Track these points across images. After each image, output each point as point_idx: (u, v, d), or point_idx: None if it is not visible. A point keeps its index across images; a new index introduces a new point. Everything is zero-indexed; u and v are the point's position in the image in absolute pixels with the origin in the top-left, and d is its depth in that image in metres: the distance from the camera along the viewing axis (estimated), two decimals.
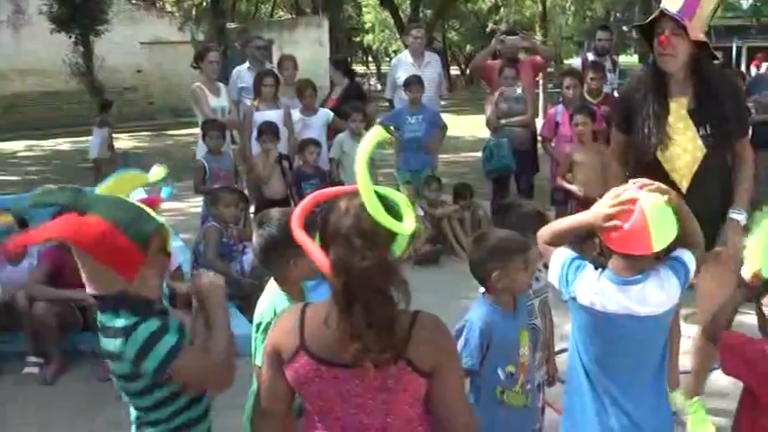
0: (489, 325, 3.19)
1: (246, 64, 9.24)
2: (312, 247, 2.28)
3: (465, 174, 11.38)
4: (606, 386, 2.94)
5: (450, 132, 9.48)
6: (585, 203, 6.77)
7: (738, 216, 4.04)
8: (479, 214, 8.58)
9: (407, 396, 2.23)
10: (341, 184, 7.78)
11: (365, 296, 2.13)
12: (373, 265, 2.12)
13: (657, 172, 3.88)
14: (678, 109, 4.05)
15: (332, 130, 8.71)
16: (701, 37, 3.96)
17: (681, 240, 2.89)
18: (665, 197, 2.79)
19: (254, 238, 3.15)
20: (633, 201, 2.76)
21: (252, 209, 8.05)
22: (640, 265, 2.85)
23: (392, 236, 2.19)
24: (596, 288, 2.88)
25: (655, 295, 2.85)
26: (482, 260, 3.25)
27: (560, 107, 7.97)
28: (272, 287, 3.09)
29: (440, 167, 10.34)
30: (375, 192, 2.20)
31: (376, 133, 2.27)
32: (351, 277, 2.14)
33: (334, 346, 2.19)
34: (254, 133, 8.05)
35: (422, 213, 8.32)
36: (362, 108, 8.65)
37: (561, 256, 2.98)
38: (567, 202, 7.15)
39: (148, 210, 2.57)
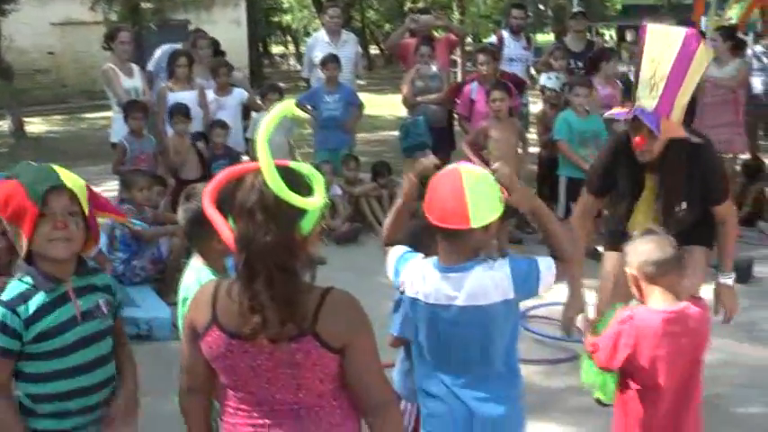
0: None
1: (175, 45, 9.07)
2: (219, 222, 2.30)
3: (384, 152, 11.42)
4: (443, 378, 2.88)
5: (369, 111, 9.53)
6: None
7: (728, 281, 4.14)
8: (397, 192, 8.63)
9: (318, 371, 2.25)
10: None
11: (267, 271, 2.15)
12: (275, 240, 2.15)
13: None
14: (651, 186, 4.08)
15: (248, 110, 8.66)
16: (679, 134, 3.89)
17: (546, 242, 2.91)
18: (491, 170, 2.79)
19: (180, 213, 3.15)
20: (437, 167, 2.83)
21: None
22: (465, 250, 2.77)
23: (300, 212, 2.20)
24: (420, 277, 2.83)
25: (478, 286, 2.73)
26: (425, 229, 3.26)
27: (475, 84, 8.04)
28: (196, 263, 3.10)
29: (359, 146, 10.37)
30: (288, 167, 2.22)
31: (280, 109, 2.28)
32: (252, 252, 2.16)
33: (238, 320, 2.21)
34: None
35: (340, 192, 8.33)
36: (279, 87, 8.62)
37: (396, 252, 2.99)
38: None
39: (65, 172, 2.70)
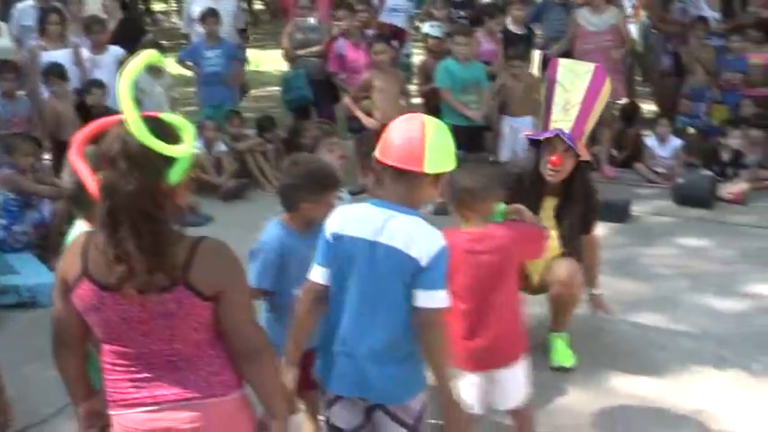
0: (285, 246, 3.23)
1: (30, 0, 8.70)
2: (85, 172, 2.26)
3: (271, 107, 11.25)
4: (338, 307, 2.78)
5: (253, 67, 9.38)
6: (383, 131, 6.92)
7: (597, 292, 4.75)
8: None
9: (191, 321, 2.24)
10: None
11: (131, 219, 2.13)
12: (139, 188, 2.12)
13: None
14: (548, 208, 4.43)
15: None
16: (588, 156, 4.39)
17: None
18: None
19: (65, 176, 3.07)
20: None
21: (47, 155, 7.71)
22: (410, 197, 2.71)
23: (167, 161, 2.18)
24: (346, 213, 2.79)
25: (400, 230, 2.64)
26: (295, 187, 3.27)
27: (341, 40, 7.95)
28: (82, 225, 3.02)
29: (244, 102, 10.25)
30: (155, 118, 2.20)
31: (143, 57, 2.24)
32: (116, 200, 2.13)
33: (106, 270, 2.18)
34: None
35: (224, 149, 8.22)
36: (157, 43, 8.41)
37: None
38: (362, 130, 7.20)
39: None
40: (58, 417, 3.97)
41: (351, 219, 2.74)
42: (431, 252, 2.60)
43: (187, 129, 2.26)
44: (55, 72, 7.53)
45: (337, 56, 7.96)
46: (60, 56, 7.77)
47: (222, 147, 8.22)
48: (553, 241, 4.38)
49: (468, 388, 3.28)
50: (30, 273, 5.78)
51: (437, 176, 2.70)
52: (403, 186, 2.69)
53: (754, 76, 8.68)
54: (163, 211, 2.18)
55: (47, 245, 6.37)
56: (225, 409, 2.33)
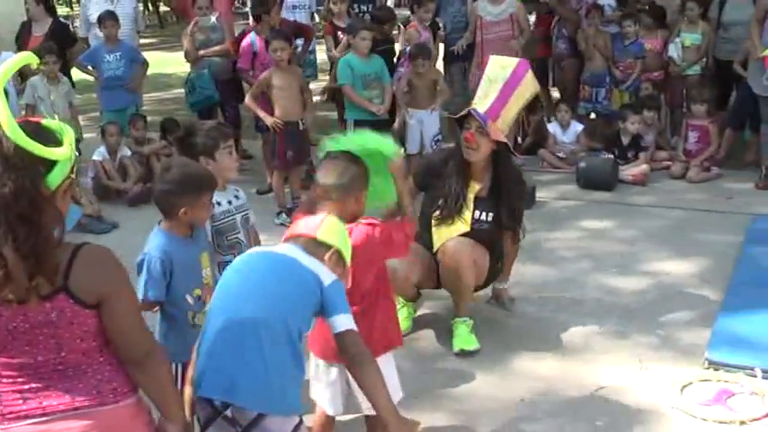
0: (168, 253, 3.20)
1: None
2: None
3: (176, 110, 11.15)
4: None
5: (160, 69, 9.24)
6: (287, 126, 6.90)
7: (504, 285, 5.10)
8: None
9: (76, 329, 2.20)
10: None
11: (8, 223, 2.08)
12: (15, 191, 2.08)
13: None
14: (473, 191, 4.65)
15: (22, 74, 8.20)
16: (502, 138, 4.57)
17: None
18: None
19: None
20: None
21: None
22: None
23: (47, 165, 2.14)
24: None
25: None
26: (171, 193, 3.23)
27: (253, 35, 7.88)
28: None
29: (151, 106, 10.12)
30: (35, 123, 2.19)
31: (16, 58, 2.22)
32: None
33: None
34: None
35: (129, 153, 8.08)
36: (55, 49, 8.20)
37: None
38: (268, 130, 7.12)
39: None
40: None
41: None
42: None
43: (67, 133, 2.23)
44: None
45: (251, 53, 7.85)
46: None
47: (126, 151, 8.08)
48: (464, 224, 4.60)
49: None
50: None
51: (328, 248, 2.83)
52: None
53: (648, 61, 8.93)
54: (42, 216, 2.12)
55: None
56: (118, 417, 2.30)
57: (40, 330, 2.18)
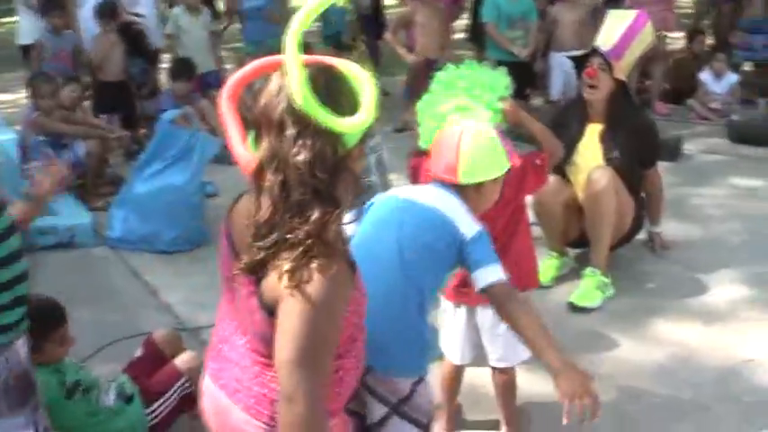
0: None
1: None
2: (235, 133, 1.87)
3: (312, 44, 11.09)
4: None
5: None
6: (427, 65, 6.73)
7: (658, 230, 5.07)
8: None
9: None
10: (182, 62, 7.48)
11: (300, 200, 1.73)
12: (312, 158, 1.72)
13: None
14: (592, 133, 4.61)
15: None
16: (622, 77, 4.55)
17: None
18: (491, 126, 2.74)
19: None
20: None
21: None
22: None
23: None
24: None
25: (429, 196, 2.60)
26: None
27: None
28: None
29: None
30: (327, 69, 1.79)
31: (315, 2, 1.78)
32: (286, 174, 1.72)
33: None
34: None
35: None
36: None
37: None
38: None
39: None
40: (95, 358, 3.94)
41: None
42: None
43: (365, 82, 1.79)
44: (107, 8, 7.48)
45: None
46: None
47: None
48: (595, 162, 4.54)
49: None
50: (68, 213, 5.76)
51: (479, 185, 2.62)
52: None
53: None
54: (339, 184, 1.76)
55: (84, 184, 6.35)
56: None
57: None
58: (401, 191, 2.73)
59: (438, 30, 6.82)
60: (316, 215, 1.69)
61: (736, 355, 3.95)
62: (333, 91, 1.75)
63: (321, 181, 1.71)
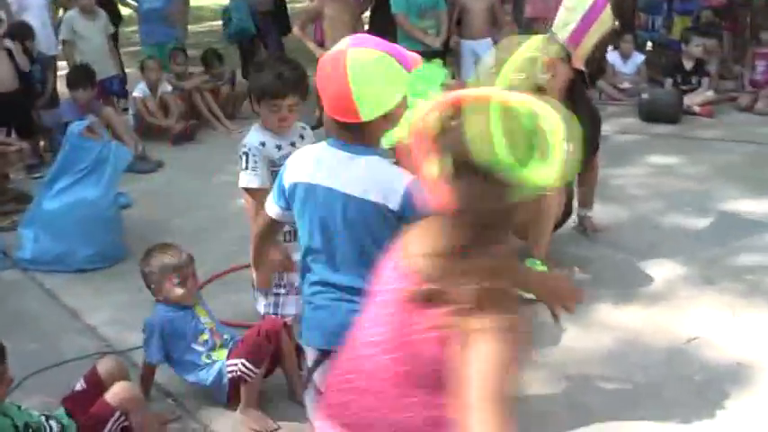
0: (163, 324, 3.49)
1: None
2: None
3: (213, 43, 10.80)
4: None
5: (192, 2, 8.93)
6: None
7: (589, 212, 5.13)
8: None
9: None
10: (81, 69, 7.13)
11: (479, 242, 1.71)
12: (494, 205, 1.68)
13: None
14: None
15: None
16: (580, 66, 4.52)
17: None
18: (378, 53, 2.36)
19: None
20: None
21: None
22: (368, 139, 2.35)
23: None
24: (311, 159, 2.49)
25: (358, 175, 2.38)
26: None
27: None
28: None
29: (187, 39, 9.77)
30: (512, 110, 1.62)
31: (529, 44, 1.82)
32: (473, 218, 1.68)
33: None
34: None
35: (170, 89, 7.79)
36: None
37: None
38: None
39: None
40: (17, 391, 3.65)
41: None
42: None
43: (555, 132, 1.66)
44: None
45: None
46: None
47: (167, 87, 7.79)
48: None
49: None
50: None
51: (385, 116, 2.30)
52: (355, 135, 2.37)
53: None
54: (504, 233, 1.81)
55: None
56: None
57: None
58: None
59: (349, 23, 6.65)
60: (499, 255, 1.73)
61: (681, 334, 3.96)
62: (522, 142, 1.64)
63: (505, 225, 1.78)
